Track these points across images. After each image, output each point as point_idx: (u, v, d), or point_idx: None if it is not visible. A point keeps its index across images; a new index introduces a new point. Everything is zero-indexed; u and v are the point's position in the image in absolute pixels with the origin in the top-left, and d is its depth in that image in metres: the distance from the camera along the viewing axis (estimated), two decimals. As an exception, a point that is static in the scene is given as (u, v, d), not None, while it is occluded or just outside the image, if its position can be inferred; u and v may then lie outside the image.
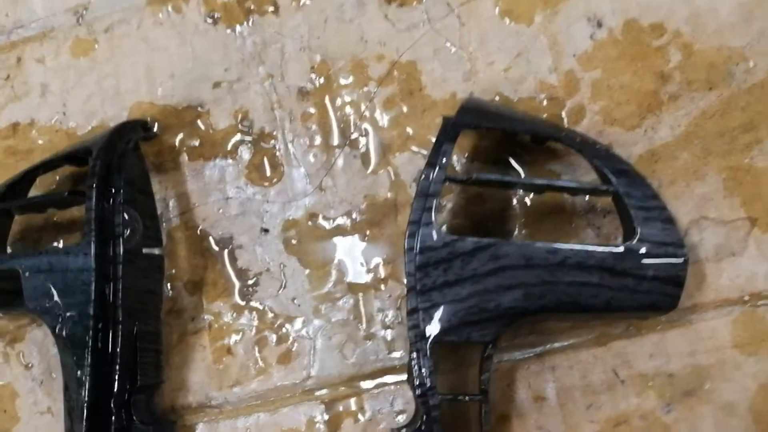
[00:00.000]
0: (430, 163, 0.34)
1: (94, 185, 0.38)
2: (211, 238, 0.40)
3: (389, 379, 0.38)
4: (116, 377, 0.36)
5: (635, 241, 0.32)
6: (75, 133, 0.42)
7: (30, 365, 0.40)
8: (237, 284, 0.39)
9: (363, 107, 0.39)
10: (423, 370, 0.30)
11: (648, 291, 0.32)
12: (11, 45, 0.45)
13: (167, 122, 0.42)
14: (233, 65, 0.41)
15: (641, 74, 0.35)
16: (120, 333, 0.37)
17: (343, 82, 0.39)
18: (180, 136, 0.42)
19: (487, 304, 0.32)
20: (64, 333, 0.37)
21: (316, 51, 0.40)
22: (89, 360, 0.34)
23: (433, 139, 0.35)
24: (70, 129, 0.43)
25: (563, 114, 0.36)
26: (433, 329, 0.30)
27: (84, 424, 0.35)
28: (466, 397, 0.32)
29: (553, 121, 0.35)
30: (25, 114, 0.44)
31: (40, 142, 0.43)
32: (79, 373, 0.36)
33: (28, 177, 0.41)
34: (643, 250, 0.32)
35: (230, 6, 0.43)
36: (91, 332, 0.34)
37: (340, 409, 0.36)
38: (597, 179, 0.34)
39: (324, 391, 0.37)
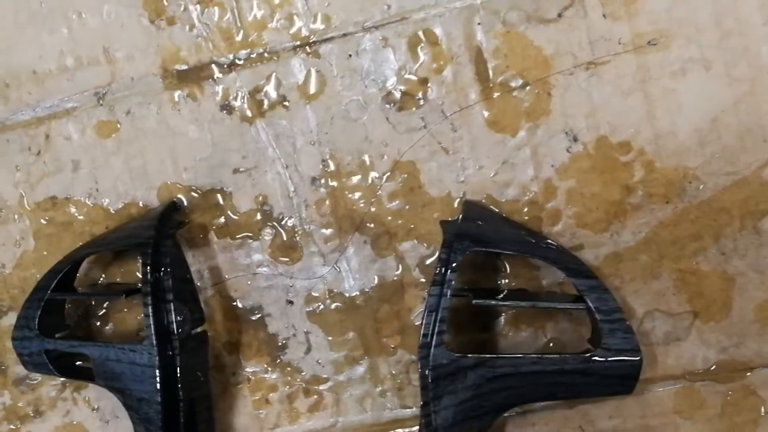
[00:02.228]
0: (437, 282, 0.46)
1: (149, 292, 0.50)
2: (243, 307, 0.50)
3: (402, 429, 0.54)
4: None
5: (601, 349, 0.46)
6: (109, 210, 0.51)
7: (96, 408, 0.52)
8: (269, 347, 0.50)
9: (370, 199, 0.48)
10: None
11: (611, 384, 0.47)
12: (38, 121, 0.53)
13: (195, 202, 0.52)
14: (250, 153, 0.50)
15: (609, 185, 0.46)
16: (182, 404, 0.51)
17: (350, 175, 0.48)
18: (207, 215, 0.50)
19: (484, 403, 0.47)
20: (135, 410, 0.47)
21: (325, 145, 0.49)
22: None
23: (432, 231, 0.50)
24: (104, 205, 0.51)
25: (542, 215, 0.45)
26: (442, 424, 0.41)
27: None
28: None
29: (537, 232, 0.45)
30: (61, 189, 0.54)
31: (78, 215, 0.53)
32: None
33: (72, 262, 0.54)
34: (608, 357, 0.46)
35: (243, 99, 0.54)
36: (161, 415, 0.44)
37: None
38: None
39: None
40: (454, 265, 0.46)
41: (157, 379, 0.51)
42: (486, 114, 0.51)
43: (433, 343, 0.47)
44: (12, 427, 0.59)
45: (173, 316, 0.51)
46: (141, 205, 0.55)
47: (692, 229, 0.49)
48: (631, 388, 0.47)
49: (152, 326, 0.51)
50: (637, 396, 0.50)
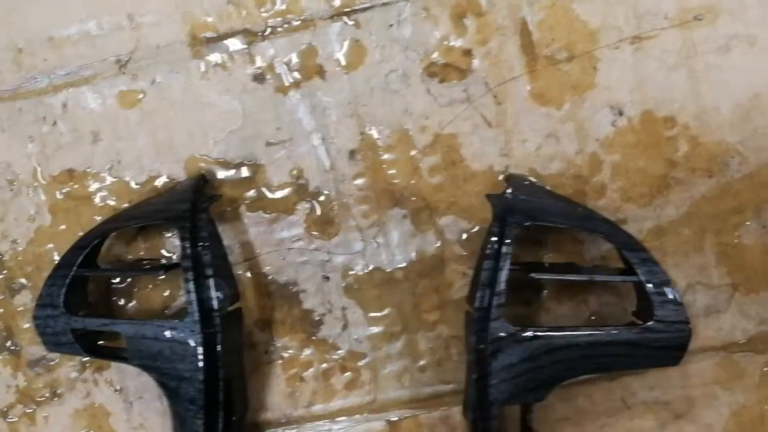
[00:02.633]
0: (490, 256, 0.46)
1: (191, 267, 0.46)
2: (276, 283, 0.49)
3: (441, 405, 0.54)
4: (221, 419, 0.45)
5: (653, 321, 0.48)
6: (131, 184, 0.50)
7: (119, 389, 0.51)
8: (303, 323, 0.50)
9: (409, 173, 0.47)
10: (493, 429, 0.46)
11: (660, 355, 0.49)
12: (54, 89, 0.52)
13: (225, 176, 0.52)
14: (285, 125, 0.49)
15: (654, 160, 0.47)
16: (221, 383, 0.50)
17: (390, 148, 0.48)
18: (238, 189, 0.49)
19: (539, 375, 0.48)
20: (173, 390, 0.46)
21: (363, 117, 0.49)
22: (202, 413, 0.44)
23: (474, 205, 0.51)
24: (126, 179, 0.49)
25: (587, 189, 0.46)
26: (499, 397, 0.43)
27: None
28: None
29: (584, 206, 0.46)
30: (79, 161, 0.53)
31: (98, 189, 0.50)
32: (193, 423, 0.45)
33: (99, 237, 0.52)
34: (658, 328, 0.48)
35: (277, 68, 0.53)
36: (203, 394, 0.44)
37: (402, 426, 0.49)
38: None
39: (386, 413, 0.48)
40: (508, 240, 0.47)
41: (200, 357, 0.50)
42: (530, 87, 0.53)
43: (492, 316, 0.47)
44: (27, 410, 0.57)
45: (213, 292, 0.50)
46: (166, 179, 0.54)
47: (734, 203, 0.52)
48: (678, 359, 0.50)
49: (195, 302, 0.50)
50: (677, 367, 0.52)
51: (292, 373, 0.57)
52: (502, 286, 0.47)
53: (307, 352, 0.55)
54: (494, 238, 0.48)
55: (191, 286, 0.50)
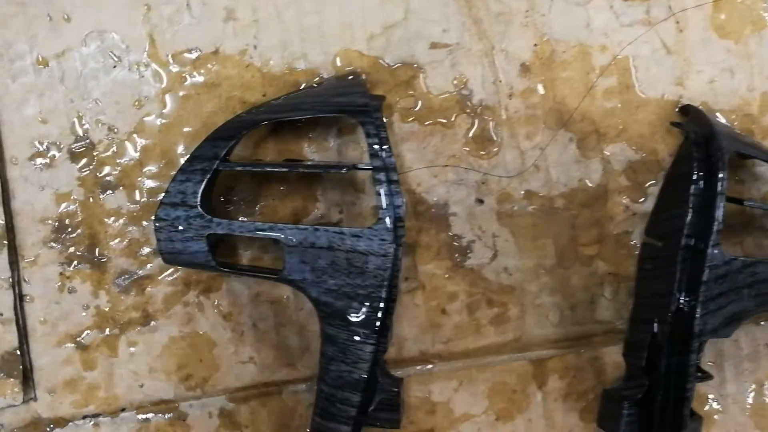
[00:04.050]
0: (698, 181, 0.44)
1: (383, 167, 0.46)
2: (425, 203, 0.45)
3: (589, 345, 0.51)
4: (384, 347, 0.40)
5: None
6: (269, 73, 0.44)
7: (229, 315, 0.44)
8: (450, 249, 0.46)
9: (582, 94, 0.45)
10: (690, 364, 0.43)
11: None
12: None
13: (378, 78, 0.46)
14: (452, 27, 0.46)
15: None
16: (394, 305, 0.44)
17: (564, 64, 0.45)
18: (392, 94, 0.44)
19: (736, 309, 0.46)
20: (340, 311, 0.43)
21: (540, 28, 0.46)
22: (374, 338, 0.39)
23: (643, 134, 0.48)
24: (263, 66, 0.44)
25: (753, 128, 0.46)
26: (706, 330, 0.40)
27: (360, 395, 0.43)
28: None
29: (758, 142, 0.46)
30: (208, 40, 0.46)
31: (226, 76, 0.44)
32: (358, 349, 0.40)
33: (249, 127, 0.45)
34: None
35: None
36: (380, 314, 0.39)
37: (548, 366, 0.45)
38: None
39: (532, 351, 0.45)
40: (724, 166, 0.44)
41: (388, 271, 0.43)
42: (713, 16, 0.51)
43: (711, 242, 0.44)
44: (107, 335, 0.47)
45: (400, 198, 0.44)
46: (310, 72, 0.47)
47: None
48: None
49: (391, 207, 0.43)
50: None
51: (434, 305, 0.53)
52: (720, 212, 0.44)
53: (452, 282, 0.50)
54: (699, 165, 0.45)
55: (384, 188, 0.43)
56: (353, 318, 0.43)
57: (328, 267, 0.43)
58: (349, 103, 0.45)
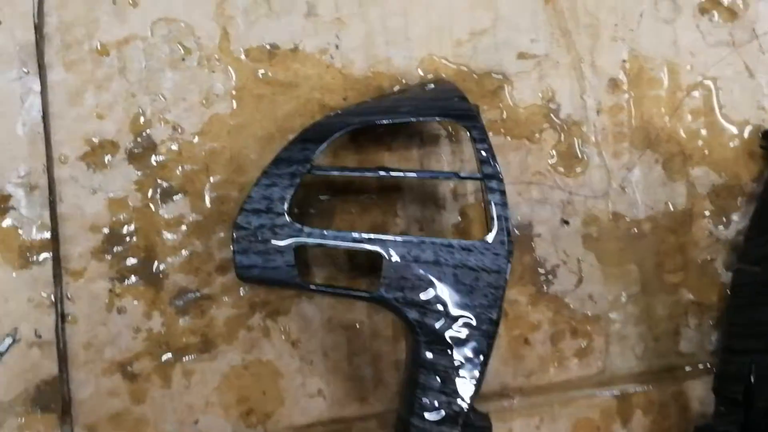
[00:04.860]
0: None
1: (496, 174, 0.40)
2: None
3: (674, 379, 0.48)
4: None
5: None
6: (352, 75, 0.41)
7: (298, 342, 0.40)
8: (534, 274, 0.42)
9: (669, 113, 0.44)
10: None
11: None
12: None
13: (464, 87, 0.45)
14: (541, 38, 0.43)
15: None
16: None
17: (652, 82, 0.44)
18: (479, 105, 0.42)
19: None
20: (443, 333, 0.39)
21: (628, 44, 0.44)
22: (481, 366, 0.36)
23: (726, 159, 0.47)
24: (344, 68, 0.41)
25: None
26: None
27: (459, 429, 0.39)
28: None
29: None
30: (286, 36, 0.41)
31: (306, 76, 0.40)
32: (463, 377, 0.36)
33: (343, 129, 0.40)
34: None
35: None
36: (490, 338, 0.36)
37: (632, 402, 0.42)
38: None
39: (617, 386, 0.42)
40: None
41: (501, 289, 0.39)
42: None
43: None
44: (161, 363, 0.40)
45: (508, 210, 0.40)
46: (394, 77, 0.43)
47: None
48: None
49: (504, 217, 0.39)
50: None
51: (516, 335, 0.48)
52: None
53: (535, 309, 0.46)
54: None
55: (497, 197, 0.39)
56: (458, 343, 0.38)
57: (433, 283, 0.38)
58: (452, 107, 0.41)
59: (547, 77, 0.49)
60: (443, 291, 0.39)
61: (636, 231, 0.50)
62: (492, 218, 0.39)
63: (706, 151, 0.51)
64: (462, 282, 0.39)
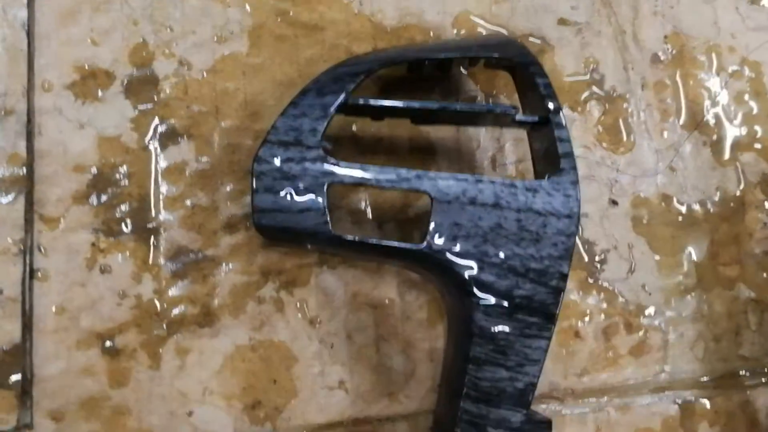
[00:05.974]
0: None
1: (559, 110, 0.33)
2: None
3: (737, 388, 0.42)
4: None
5: None
6: (381, 24, 0.36)
7: (317, 321, 0.33)
8: (582, 258, 0.37)
9: (715, 94, 0.40)
10: None
11: None
12: None
13: None
14: (582, 5, 0.40)
15: None
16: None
17: (695, 61, 0.41)
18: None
19: None
20: (506, 292, 0.33)
21: (669, 20, 0.41)
22: (550, 331, 0.31)
23: None
24: (373, 16, 0.37)
25: None
26: None
27: (523, 414, 0.32)
28: None
29: None
30: None
31: (332, 20, 0.36)
32: (528, 346, 0.31)
33: (386, 65, 0.35)
34: None
35: None
36: (560, 297, 0.31)
37: (696, 411, 0.37)
38: None
39: (678, 391, 0.37)
40: None
41: (573, 237, 0.32)
42: None
43: None
44: (149, 339, 0.32)
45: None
46: (426, 31, 0.38)
47: None
48: None
49: (572, 156, 0.33)
50: None
51: (566, 326, 0.40)
52: None
53: (586, 298, 0.39)
54: None
55: (564, 133, 0.34)
56: (522, 303, 0.32)
57: (490, 232, 0.32)
58: (507, 46, 0.36)
59: (590, 46, 0.45)
60: (504, 240, 0.32)
61: (689, 217, 0.45)
62: (558, 156, 0.34)
63: (756, 137, 0.48)
64: (527, 229, 0.32)
